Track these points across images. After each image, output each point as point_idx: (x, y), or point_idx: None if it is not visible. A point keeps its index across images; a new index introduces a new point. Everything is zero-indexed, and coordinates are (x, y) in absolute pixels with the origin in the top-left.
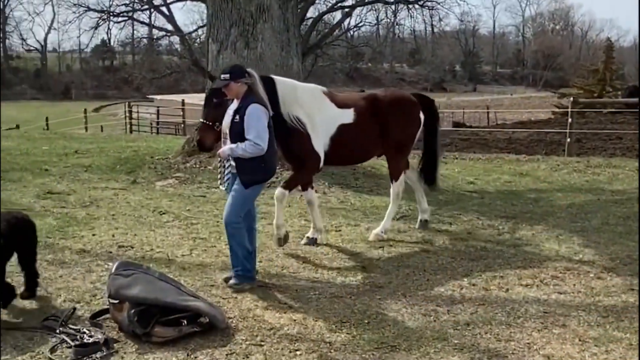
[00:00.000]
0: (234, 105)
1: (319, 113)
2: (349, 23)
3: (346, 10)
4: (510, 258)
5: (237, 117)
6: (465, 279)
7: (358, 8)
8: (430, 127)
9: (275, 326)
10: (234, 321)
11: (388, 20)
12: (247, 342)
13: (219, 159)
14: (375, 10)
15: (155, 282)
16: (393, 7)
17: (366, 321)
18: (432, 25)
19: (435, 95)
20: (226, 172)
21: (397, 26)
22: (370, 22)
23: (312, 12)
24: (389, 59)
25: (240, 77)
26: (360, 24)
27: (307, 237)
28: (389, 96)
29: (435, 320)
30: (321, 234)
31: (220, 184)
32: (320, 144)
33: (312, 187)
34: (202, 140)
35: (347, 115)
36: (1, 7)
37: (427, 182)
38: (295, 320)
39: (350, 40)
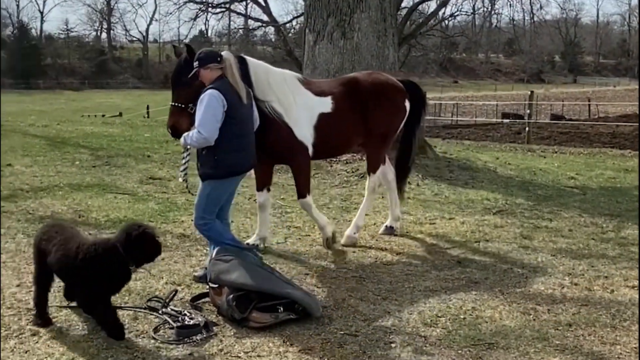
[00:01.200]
0: None
1: (295, 101)
2: (443, 12)
3: None
4: (615, 258)
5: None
6: (567, 278)
7: None
8: (413, 117)
9: (369, 317)
10: (328, 310)
11: (485, 9)
12: (342, 332)
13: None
14: None
15: (253, 269)
16: None
17: (462, 317)
18: (531, 13)
19: (533, 87)
20: (183, 162)
21: (494, 15)
22: (466, 11)
23: (406, 2)
24: (485, 49)
25: (209, 63)
26: (455, 13)
27: (247, 244)
28: (370, 81)
29: (535, 320)
30: (265, 242)
31: (179, 175)
32: (305, 134)
33: (269, 190)
34: (175, 126)
35: (325, 104)
36: None
37: (397, 176)
38: (389, 312)
39: (445, 30)
